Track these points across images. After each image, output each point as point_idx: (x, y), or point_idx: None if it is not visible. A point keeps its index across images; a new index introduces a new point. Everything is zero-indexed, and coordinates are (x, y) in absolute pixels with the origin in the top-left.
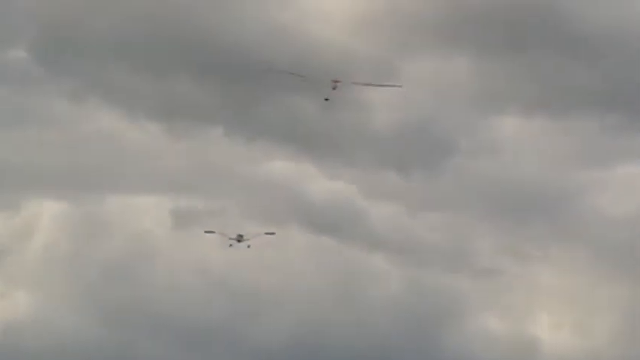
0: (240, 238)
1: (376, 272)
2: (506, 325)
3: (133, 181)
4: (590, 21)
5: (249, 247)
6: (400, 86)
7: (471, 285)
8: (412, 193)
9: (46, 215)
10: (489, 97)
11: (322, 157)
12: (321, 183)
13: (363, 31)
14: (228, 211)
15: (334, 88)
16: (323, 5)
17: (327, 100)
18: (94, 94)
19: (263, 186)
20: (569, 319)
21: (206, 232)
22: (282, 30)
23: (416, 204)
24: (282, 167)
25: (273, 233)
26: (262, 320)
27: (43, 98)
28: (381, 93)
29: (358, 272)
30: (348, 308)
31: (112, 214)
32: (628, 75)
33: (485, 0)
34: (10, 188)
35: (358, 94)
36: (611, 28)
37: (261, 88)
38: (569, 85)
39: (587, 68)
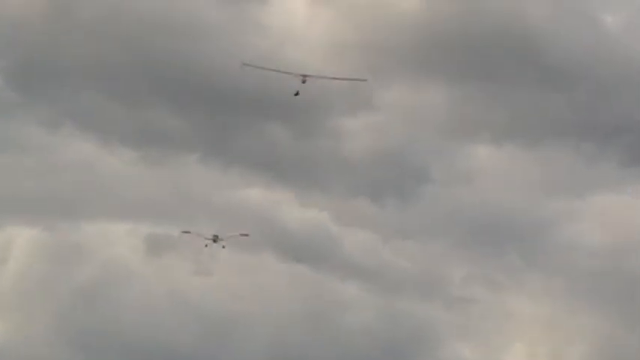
0: (215, 239)
1: (349, 300)
2: (480, 354)
3: (108, 208)
4: (562, 49)
5: (224, 247)
6: (365, 80)
7: (445, 313)
8: (385, 220)
9: (20, 242)
10: (463, 125)
11: (296, 184)
12: (295, 210)
13: (336, 59)
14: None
15: (303, 82)
16: (298, 32)
17: (297, 94)
18: (69, 121)
19: (237, 213)
20: (544, 348)
21: (183, 232)
22: (257, 57)
23: (389, 232)
24: (257, 194)
25: (247, 235)
26: (235, 346)
27: (17, 125)
28: (356, 120)
29: (331, 299)
30: (321, 335)
31: (86, 241)
32: (601, 103)
33: (458, 28)
34: None
35: (332, 122)
36: (584, 57)
37: (237, 116)
38: (542, 114)
39: (560, 97)
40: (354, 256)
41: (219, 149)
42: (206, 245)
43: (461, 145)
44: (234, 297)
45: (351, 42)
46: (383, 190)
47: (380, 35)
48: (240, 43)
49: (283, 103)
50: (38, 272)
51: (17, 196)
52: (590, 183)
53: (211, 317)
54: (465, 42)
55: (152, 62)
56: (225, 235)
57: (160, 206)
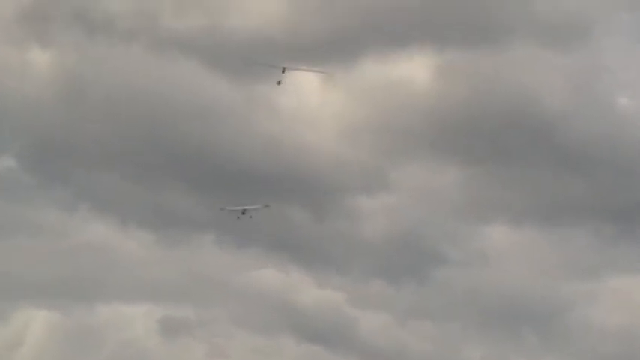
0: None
1: None
2: None
3: (124, 290)
4: (577, 131)
5: (250, 217)
6: (332, 73)
7: None
8: (401, 302)
9: (36, 325)
10: (478, 206)
11: (312, 265)
12: (311, 291)
13: (352, 139)
14: (218, 320)
15: (283, 72)
16: (313, 114)
17: (279, 83)
18: (84, 203)
19: (253, 294)
20: None
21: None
22: (272, 140)
23: (405, 313)
24: (273, 275)
25: (268, 206)
26: None
27: (33, 207)
28: (371, 202)
29: None
30: None
31: (102, 323)
32: (618, 185)
33: (473, 109)
34: (0, 298)
35: (349, 203)
36: (600, 139)
37: (252, 197)
38: (558, 195)
39: (577, 178)
40: (370, 338)
41: (234, 230)
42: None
43: (477, 226)
44: None
45: (364, 124)
46: (399, 271)
47: (393, 117)
48: (255, 126)
49: (299, 184)
50: (54, 355)
51: (33, 279)
52: (608, 265)
53: None
54: (478, 123)
55: (167, 144)
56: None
57: (176, 288)
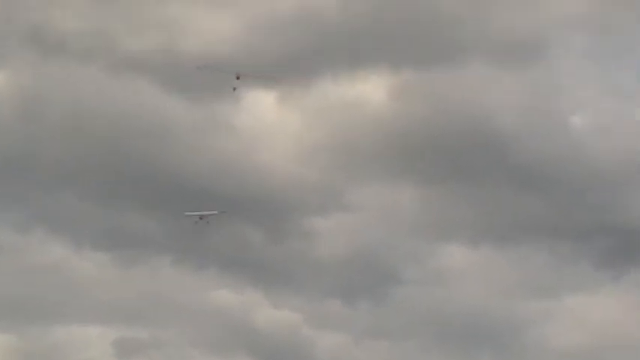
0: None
1: None
2: None
3: (80, 311)
4: (532, 150)
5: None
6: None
7: None
8: (358, 322)
9: None
10: (436, 226)
11: (269, 285)
12: (267, 312)
13: (309, 159)
14: (174, 341)
15: (238, 78)
16: (269, 134)
17: (234, 89)
18: (39, 224)
19: (209, 315)
20: None
21: None
22: (229, 159)
23: (362, 333)
24: (229, 296)
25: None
26: None
27: None
28: (328, 221)
29: None
30: None
31: (57, 345)
32: (574, 204)
33: (430, 128)
34: None
35: (305, 223)
36: (554, 157)
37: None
38: (515, 214)
39: (533, 197)
40: (327, 358)
41: (192, 251)
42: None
43: (434, 245)
44: None
45: (321, 144)
46: (356, 291)
47: (350, 137)
48: (210, 145)
49: (256, 203)
50: None
51: None
52: (565, 284)
53: None
54: (435, 142)
55: (124, 164)
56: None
57: (131, 309)
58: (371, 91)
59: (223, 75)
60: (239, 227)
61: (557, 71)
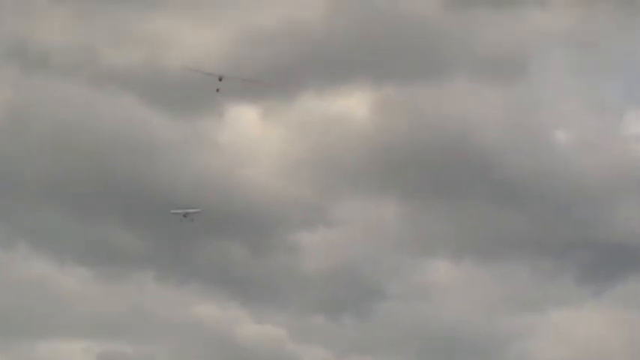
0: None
1: None
2: None
3: (64, 326)
4: (515, 164)
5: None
6: (273, 82)
7: None
8: (342, 337)
9: None
10: (419, 240)
11: (252, 300)
12: (251, 327)
13: (291, 174)
14: (157, 356)
15: (220, 80)
16: (252, 149)
17: (217, 90)
18: (23, 239)
19: (193, 330)
20: None
21: None
22: (212, 174)
23: (346, 348)
24: (213, 311)
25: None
26: None
27: None
28: (312, 236)
29: None
30: None
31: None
32: (558, 219)
33: (413, 143)
34: None
35: (288, 238)
36: (537, 172)
37: (193, 233)
38: (498, 229)
39: (516, 212)
40: None
41: (174, 266)
42: None
43: (417, 260)
44: None
45: (304, 159)
46: (340, 306)
47: (333, 151)
48: (194, 160)
49: (239, 219)
50: None
51: None
52: (548, 299)
53: None
54: (418, 157)
55: (107, 179)
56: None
57: (115, 324)
58: (354, 105)
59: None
60: (222, 242)
61: (540, 86)
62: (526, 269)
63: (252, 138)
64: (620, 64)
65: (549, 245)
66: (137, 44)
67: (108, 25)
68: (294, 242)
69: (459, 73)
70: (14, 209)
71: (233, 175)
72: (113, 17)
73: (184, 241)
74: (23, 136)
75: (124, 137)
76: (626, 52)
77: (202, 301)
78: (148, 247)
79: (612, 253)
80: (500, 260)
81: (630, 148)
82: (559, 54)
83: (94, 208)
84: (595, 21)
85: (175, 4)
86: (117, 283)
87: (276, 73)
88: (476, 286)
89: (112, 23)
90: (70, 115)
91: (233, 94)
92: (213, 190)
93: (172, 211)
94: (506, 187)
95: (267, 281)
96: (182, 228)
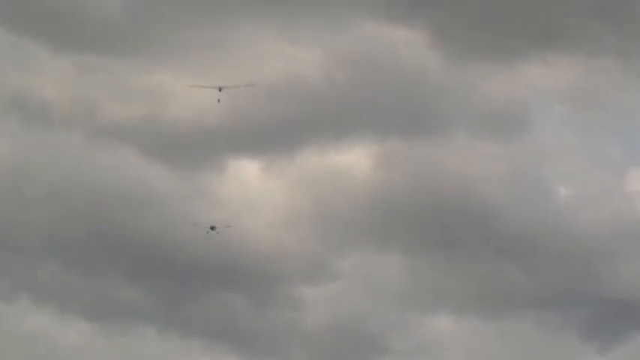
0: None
1: None
2: None
3: None
4: (519, 221)
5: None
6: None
7: None
8: None
9: None
10: (421, 295)
11: (254, 354)
12: None
13: (293, 228)
14: None
15: (220, 90)
16: (254, 203)
17: (219, 101)
18: (24, 292)
19: None
20: None
21: None
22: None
23: None
24: None
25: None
26: None
27: None
28: (314, 290)
29: None
30: None
31: None
32: (560, 274)
33: (415, 197)
34: None
35: (291, 292)
36: (540, 227)
37: (194, 286)
38: (502, 284)
39: (520, 268)
40: None
41: (177, 320)
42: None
43: (420, 315)
44: None
45: (306, 213)
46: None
47: (335, 205)
48: (195, 214)
49: (240, 272)
50: None
51: None
52: (551, 354)
53: None
54: (420, 211)
55: (109, 234)
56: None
57: None
58: (356, 160)
59: (207, 143)
60: (224, 295)
61: (542, 142)
62: (529, 324)
63: (254, 191)
64: (621, 121)
65: (552, 300)
66: (137, 98)
67: (108, 79)
68: (295, 296)
69: (461, 128)
70: (15, 262)
71: (235, 228)
72: (113, 71)
73: (186, 295)
74: (24, 189)
75: (124, 191)
76: (627, 109)
77: (204, 354)
78: (150, 300)
79: (616, 309)
80: (504, 315)
81: (632, 204)
82: (560, 110)
83: (95, 262)
84: (595, 78)
85: (175, 59)
86: (118, 336)
87: (278, 127)
88: (479, 341)
89: (112, 77)
90: (70, 168)
91: (234, 148)
92: (215, 243)
93: (196, 224)
94: (509, 241)
95: (268, 335)
96: (183, 281)
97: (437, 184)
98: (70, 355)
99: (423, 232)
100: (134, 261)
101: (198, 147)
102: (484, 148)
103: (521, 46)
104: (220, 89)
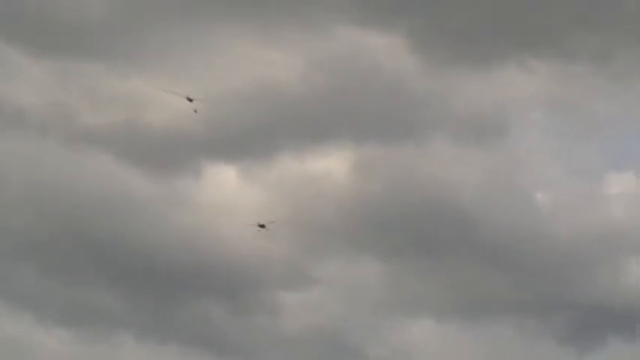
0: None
1: None
2: None
3: None
4: (498, 227)
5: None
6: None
7: None
8: None
9: None
10: (400, 301)
11: None
12: None
13: (271, 234)
14: None
15: (191, 101)
16: (231, 208)
17: (196, 111)
18: (1, 298)
19: None
20: None
21: None
22: (191, 234)
23: None
24: None
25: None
26: None
27: None
28: (292, 296)
29: None
30: None
31: None
32: (539, 279)
33: (393, 203)
34: None
35: (268, 298)
36: (520, 234)
37: (172, 292)
38: (480, 289)
39: (497, 272)
40: None
41: (154, 326)
42: None
43: (399, 321)
44: None
45: (284, 217)
46: None
47: (312, 211)
48: (173, 220)
49: (218, 278)
50: None
51: None
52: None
53: None
54: (398, 217)
55: (84, 239)
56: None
57: None
58: (333, 165)
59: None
60: (202, 302)
61: (520, 148)
62: (508, 330)
63: (231, 197)
64: (599, 127)
65: (532, 306)
66: (115, 104)
67: (85, 85)
68: (273, 303)
69: (439, 134)
70: None
71: (212, 234)
72: (90, 76)
73: (164, 301)
74: (0, 195)
75: (101, 196)
76: (605, 115)
77: None
78: (127, 307)
79: (595, 315)
80: (483, 321)
81: (610, 210)
82: (538, 116)
83: (72, 267)
84: (574, 84)
85: (153, 64)
86: (95, 343)
87: (255, 132)
88: (459, 347)
89: (90, 82)
90: (47, 174)
91: (211, 153)
92: (192, 249)
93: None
94: (487, 247)
95: (246, 342)
96: (161, 287)
97: (415, 190)
98: None
99: (402, 238)
100: (111, 267)
101: (176, 152)
102: (462, 153)
103: (500, 52)
104: (191, 100)
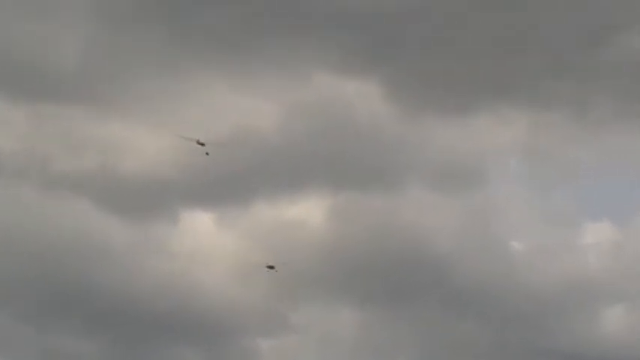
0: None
1: None
2: None
3: None
4: (473, 274)
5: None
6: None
7: None
8: None
9: None
10: (376, 347)
11: None
12: None
13: (247, 280)
14: None
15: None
16: (207, 255)
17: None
18: None
19: None
20: None
21: None
22: (166, 280)
23: None
24: None
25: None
26: None
27: None
28: (269, 342)
29: None
30: None
31: None
32: (513, 327)
33: (369, 249)
34: None
35: (245, 344)
36: (495, 281)
37: (149, 339)
38: (457, 338)
39: (474, 321)
40: None
41: None
42: None
43: None
44: None
45: (261, 264)
46: None
47: (289, 257)
48: (149, 266)
49: (194, 325)
50: None
51: None
52: None
53: None
54: (374, 263)
55: (59, 284)
56: None
57: None
58: (310, 212)
59: (161, 195)
60: (179, 349)
61: (496, 195)
62: None
63: (207, 244)
64: (575, 176)
65: (507, 353)
66: (91, 149)
67: (61, 130)
68: (250, 349)
69: (415, 181)
70: None
71: (188, 280)
72: (67, 122)
73: (140, 348)
74: None
75: (77, 243)
76: (581, 163)
77: None
78: (104, 354)
79: None
80: None
81: (585, 259)
82: (514, 163)
83: (48, 314)
84: (549, 131)
85: (130, 111)
86: None
87: (231, 179)
88: None
89: (66, 128)
90: (22, 219)
91: (188, 200)
92: (169, 295)
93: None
94: (463, 295)
95: None
96: (137, 334)
97: (391, 237)
98: None
99: (377, 285)
100: (87, 313)
101: (152, 198)
102: (438, 201)
103: (475, 100)
104: (202, 144)
